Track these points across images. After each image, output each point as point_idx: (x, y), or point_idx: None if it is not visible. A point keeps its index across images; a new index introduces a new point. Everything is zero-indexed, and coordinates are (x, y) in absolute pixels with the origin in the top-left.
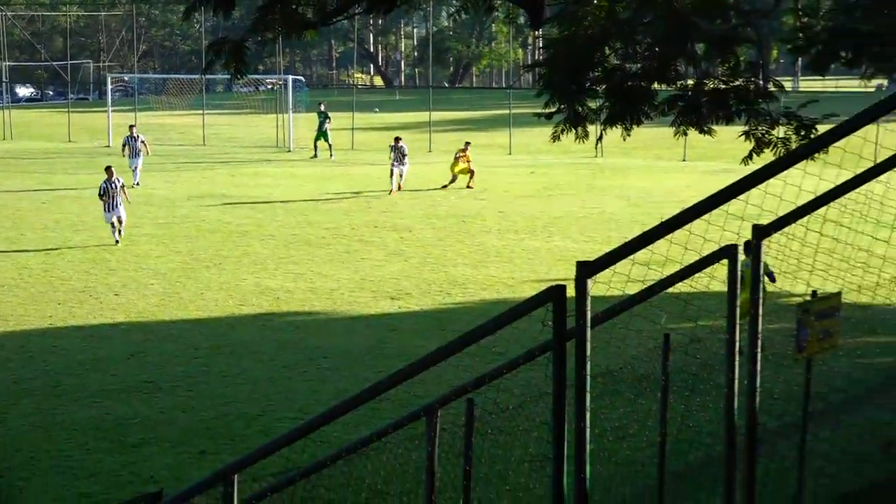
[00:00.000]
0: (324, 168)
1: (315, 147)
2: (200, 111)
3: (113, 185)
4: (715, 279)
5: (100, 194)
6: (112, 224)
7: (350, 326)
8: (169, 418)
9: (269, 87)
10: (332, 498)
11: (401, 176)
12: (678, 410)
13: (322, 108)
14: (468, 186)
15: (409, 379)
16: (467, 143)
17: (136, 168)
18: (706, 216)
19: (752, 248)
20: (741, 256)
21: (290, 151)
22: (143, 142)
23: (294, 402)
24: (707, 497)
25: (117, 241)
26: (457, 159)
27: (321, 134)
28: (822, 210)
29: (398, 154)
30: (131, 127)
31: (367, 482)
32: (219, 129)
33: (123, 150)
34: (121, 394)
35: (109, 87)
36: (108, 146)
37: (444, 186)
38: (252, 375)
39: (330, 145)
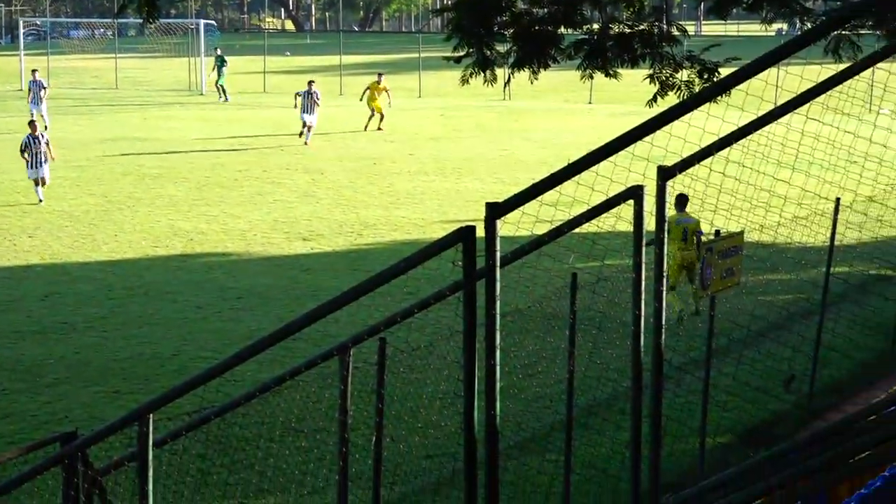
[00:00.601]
0: (236, 111)
1: (222, 91)
2: (113, 55)
3: (37, 140)
4: (621, 219)
5: (21, 149)
6: (35, 182)
7: (263, 267)
8: (84, 359)
9: (182, 31)
10: (246, 436)
11: (309, 129)
12: (586, 348)
13: (218, 52)
14: (378, 128)
15: (321, 318)
16: (380, 74)
17: (42, 115)
18: (612, 158)
19: (658, 188)
20: (670, 211)
21: (202, 95)
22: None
23: (208, 342)
24: (614, 431)
25: (41, 200)
26: (369, 90)
27: (219, 77)
28: (725, 151)
29: (310, 101)
30: (34, 71)
31: (280, 420)
32: (131, 72)
33: (29, 95)
34: (36, 335)
35: (22, 31)
36: (21, 90)
37: (367, 127)
38: (166, 316)
39: (223, 89)
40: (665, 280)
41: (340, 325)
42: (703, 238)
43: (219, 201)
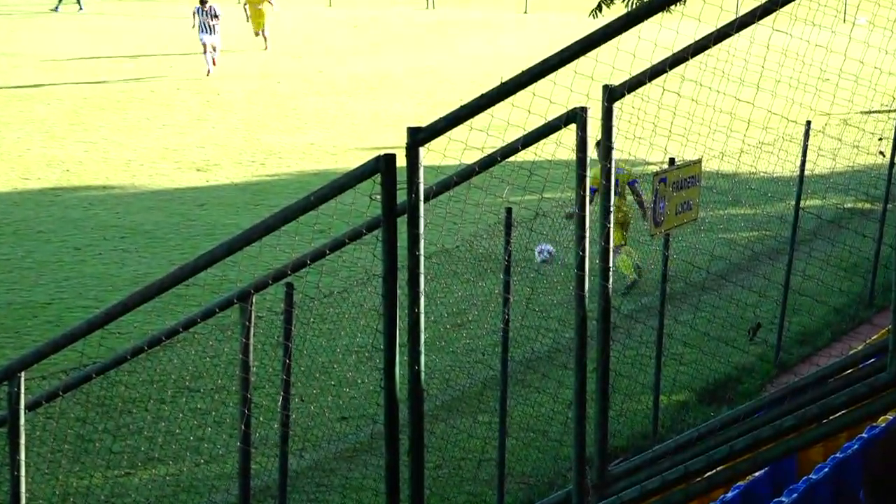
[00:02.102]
0: (120, 22)
1: None
2: None
3: None
4: (563, 146)
5: None
6: None
7: (151, 202)
8: None
9: None
10: (132, 396)
11: (214, 49)
12: (523, 293)
13: None
14: (265, 48)
15: (219, 262)
16: None
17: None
18: (552, 76)
19: (604, 110)
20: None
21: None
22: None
23: (88, 289)
24: (556, 388)
25: None
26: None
27: None
28: (679, 68)
29: (207, 19)
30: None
31: (173, 378)
32: None
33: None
34: None
35: None
36: None
37: (258, 34)
38: (38, 258)
39: None
40: (610, 216)
41: (240, 268)
42: (656, 168)
43: (99, 126)
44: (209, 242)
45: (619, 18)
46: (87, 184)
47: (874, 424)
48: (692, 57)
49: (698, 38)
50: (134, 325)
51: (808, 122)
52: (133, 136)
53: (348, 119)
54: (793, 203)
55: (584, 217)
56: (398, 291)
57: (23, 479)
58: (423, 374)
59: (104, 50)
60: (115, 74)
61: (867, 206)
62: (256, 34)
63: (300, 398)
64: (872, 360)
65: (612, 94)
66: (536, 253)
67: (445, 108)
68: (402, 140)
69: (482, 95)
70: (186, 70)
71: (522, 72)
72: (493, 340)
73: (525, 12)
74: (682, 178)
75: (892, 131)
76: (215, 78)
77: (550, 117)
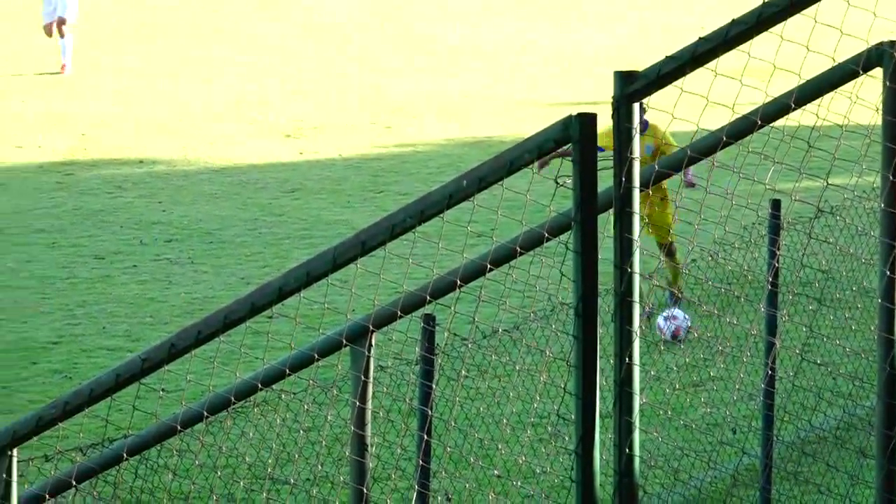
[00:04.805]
0: None
1: None
2: None
3: None
4: (861, 103)
5: None
6: None
7: (213, 186)
8: None
9: None
10: (185, 490)
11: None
12: (797, 336)
13: None
14: None
15: (320, 280)
16: None
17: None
18: None
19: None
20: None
21: None
22: None
23: (115, 321)
24: (847, 487)
25: None
26: None
27: None
28: None
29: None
30: None
31: (247, 462)
32: None
33: None
34: None
35: None
36: None
37: None
38: (39, 273)
39: None
40: None
41: (353, 292)
42: None
43: (131, 65)
44: (304, 250)
45: None
46: (113, 156)
47: None
48: None
49: None
50: (187, 379)
51: None
52: (184, 79)
53: (514, 55)
54: None
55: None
56: (598, 330)
57: None
58: (637, 462)
59: None
60: None
61: None
62: None
63: (446, 496)
64: None
65: None
66: (661, 321)
67: (669, 38)
68: (603, 90)
69: (732, 22)
70: None
71: None
72: (749, 410)
73: None
74: None
75: None
76: None
77: (841, 58)
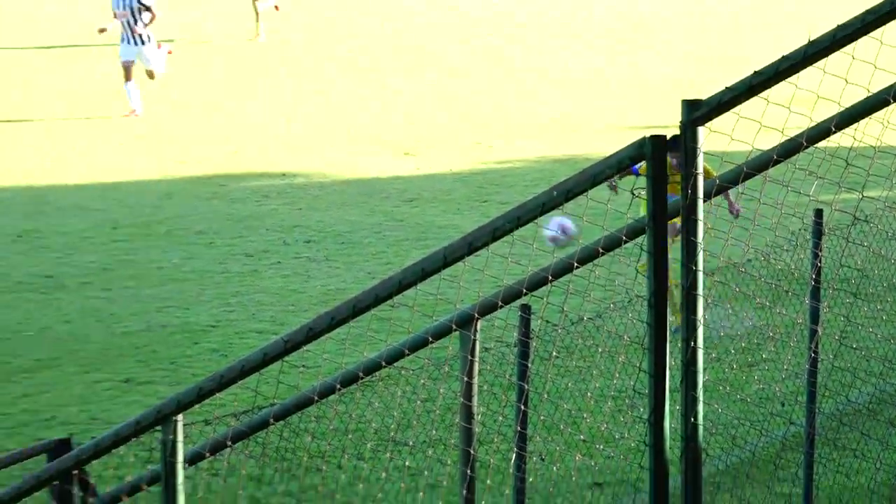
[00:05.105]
0: None
1: None
2: None
3: None
4: (892, 127)
5: None
6: None
7: (344, 196)
8: (77, 331)
9: None
10: (321, 449)
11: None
12: (836, 325)
13: None
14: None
15: (434, 275)
16: None
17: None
18: (877, 32)
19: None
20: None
21: None
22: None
23: (263, 308)
24: (879, 452)
25: None
26: None
27: None
28: None
29: (131, 19)
30: None
31: (373, 427)
32: None
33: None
34: (5, 294)
35: None
36: None
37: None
38: (199, 267)
39: None
40: None
41: (461, 285)
42: None
43: (275, 91)
44: (420, 250)
45: None
46: (260, 170)
47: None
48: None
49: None
50: (323, 357)
51: None
52: (318, 105)
53: (596, 83)
54: None
55: None
56: (669, 318)
57: None
58: (701, 429)
59: None
60: (298, 19)
61: None
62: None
63: (540, 456)
64: None
65: None
66: (545, 230)
67: (727, 70)
68: (671, 115)
69: (783, 58)
70: (390, 12)
71: (837, 27)
72: (796, 386)
73: None
74: None
75: None
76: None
77: (875, 88)
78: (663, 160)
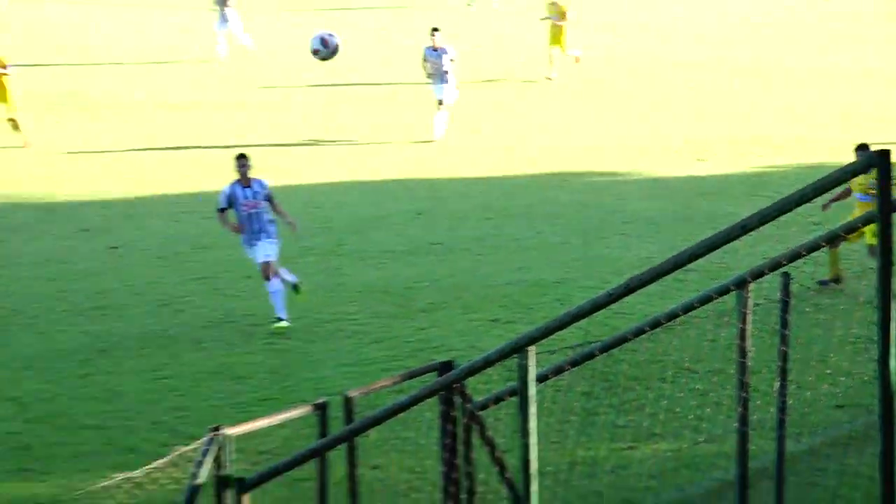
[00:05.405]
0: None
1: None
2: None
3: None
4: None
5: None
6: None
7: (653, 189)
8: (460, 283)
9: None
10: (634, 374)
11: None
12: None
13: None
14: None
15: (718, 248)
16: None
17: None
18: None
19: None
20: None
21: None
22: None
23: (593, 271)
24: None
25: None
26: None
27: None
28: None
29: (438, 63)
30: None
31: (672, 359)
32: None
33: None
34: (407, 255)
35: None
36: None
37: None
38: (547, 240)
39: None
40: None
41: (738, 257)
42: None
43: (598, 113)
44: (709, 230)
45: None
46: (592, 170)
47: None
48: None
49: None
50: (636, 307)
51: None
52: (628, 121)
53: (834, 112)
54: None
55: None
56: (893, 286)
57: (533, 447)
58: None
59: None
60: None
61: None
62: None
63: (796, 384)
64: None
65: None
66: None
67: None
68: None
69: None
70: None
71: None
72: None
73: None
74: None
75: None
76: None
77: None
78: (888, 169)
